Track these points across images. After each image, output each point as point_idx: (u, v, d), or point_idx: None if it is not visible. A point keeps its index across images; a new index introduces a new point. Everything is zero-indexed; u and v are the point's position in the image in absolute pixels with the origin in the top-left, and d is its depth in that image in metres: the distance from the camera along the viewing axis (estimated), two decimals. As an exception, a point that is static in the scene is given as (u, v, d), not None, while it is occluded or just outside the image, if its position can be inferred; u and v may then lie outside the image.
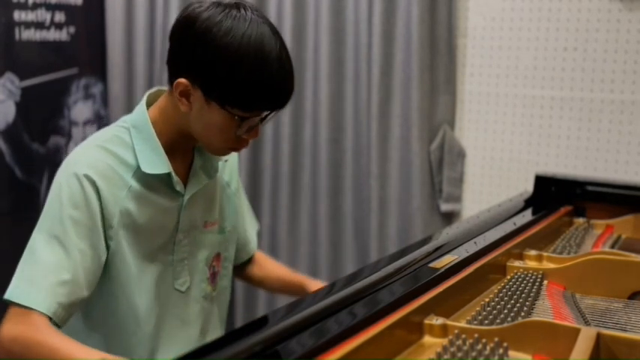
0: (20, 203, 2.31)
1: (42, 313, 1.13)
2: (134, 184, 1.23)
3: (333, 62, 2.59)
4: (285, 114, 2.68)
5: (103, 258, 1.22)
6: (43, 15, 2.43)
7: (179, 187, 1.27)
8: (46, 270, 1.15)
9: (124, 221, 1.23)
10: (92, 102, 2.68)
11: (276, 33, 1.18)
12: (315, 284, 1.49)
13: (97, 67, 2.71)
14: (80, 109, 2.62)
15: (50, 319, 1.14)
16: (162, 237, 1.28)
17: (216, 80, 1.15)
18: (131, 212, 1.23)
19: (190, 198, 1.30)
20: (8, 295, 1.16)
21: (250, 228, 1.55)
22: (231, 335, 0.87)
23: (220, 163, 1.37)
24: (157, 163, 1.23)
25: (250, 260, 1.57)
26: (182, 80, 1.17)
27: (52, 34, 2.47)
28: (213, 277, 1.39)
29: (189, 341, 1.34)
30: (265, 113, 1.20)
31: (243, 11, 1.16)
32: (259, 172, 2.77)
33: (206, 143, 1.24)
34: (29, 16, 2.37)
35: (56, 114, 2.51)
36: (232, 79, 1.14)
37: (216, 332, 1.41)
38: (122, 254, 1.23)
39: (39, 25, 2.41)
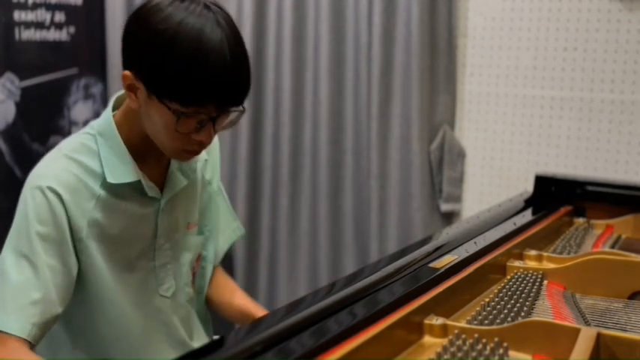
0: (20, 203, 2.30)
1: (17, 336, 1.09)
2: (102, 194, 1.17)
3: (333, 62, 2.59)
4: (285, 114, 2.68)
5: (75, 272, 1.17)
6: (43, 15, 2.43)
7: (153, 192, 1.22)
8: (16, 291, 1.11)
9: (93, 232, 1.17)
10: (92, 102, 2.68)
11: (228, 27, 1.08)
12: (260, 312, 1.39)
13: (97, 67, 2.71)
14: (80, 109, 2.62)
15: (25, 340, 1.10)
16: (139, 245, 1.23)
17: (150, 70, 1.08)
18: (101, 223, 1.18)
19: (169, 201, 1.25)
20: None
21: (222, 236, 1.45)
22: (232, 335, 0.87)
23: (200, 163, 1.32)
24: (124, 172, 1.18)
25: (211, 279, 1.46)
26: (127, 73, 1.11)
27: (52, 34, 2.47)
28: (193, 278, 1.36)
29: (177, 346, 1.32)
30: (215, 111, 1.10)
31: (195, 4, 1.08)
32: (259, 172, 2.77)
33: (158, 144, 1.16)
34: (29, 16, 2.37)
35: (56, 114, 2.51)
36: (164, 68, 1.06)
37: (199, 335, 1.38)
38: (95, 266, 1.19)
39: (39, 25, 2.41)
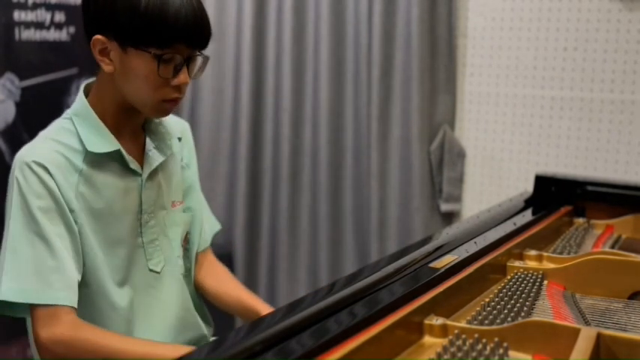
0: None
1: (60, 305, 1.16)
2: (85, 168, 1.23)
3: (333, 62, 2.59)
4: (285, 114, 2.68)
5: (78, 236, 1.22)
6: (43, 15, 2.43)
7: (133, 165, 1.27)
8: (34, 264, 1.17)
9: (81, 206, 1.22)
10: (92, 102, 2.68)
11: None
12: (266, 309, 1.41)
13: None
14: (80, 109, 2.62)
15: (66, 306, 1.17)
16: (126, 220, 1.28)
17: (122, 21, 1.16)
18: (86, 196, 1.23)
19: (149, 178, 1.30)
20: (5, 296, 1.16)
21: (206, 223, 1.50)
22: (232, 335, 0.87)
23: (176, 145, 1.39)
24: (104, 142, 1.24)
25: (200, 262, 1.48)
26: (97, 37, 1.20)
27: (52, 34, 2.47)
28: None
29: (168, 322, 1.34)
30: (186, 53, 1.20)
31: None
32: (259, 172, 2.77)
33: (138, 101, 1.23)
34: (29, 16, 2.37)
35: (56, 114, 2.51)
36: (136, 15, 1.15)
37: (196, 315, 1.40)
38: (86, 239, 1.23)
39: (39, 25, 2.41)
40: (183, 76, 1.21)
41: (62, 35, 2.52)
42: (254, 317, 1.37)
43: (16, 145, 2.33)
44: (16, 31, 2.33)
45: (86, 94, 1.30)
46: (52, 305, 1.16)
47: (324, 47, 2.58)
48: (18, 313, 1.22)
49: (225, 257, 2.58)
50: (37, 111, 2.42)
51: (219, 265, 1.52)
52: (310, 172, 2.69)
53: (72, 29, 2.56)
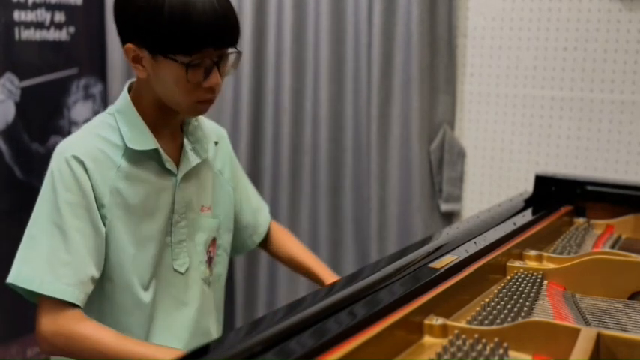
0: (20, 203, 2.31)
1: (62, 300, 1.18)
2: (123, 164, 1.26)
3: (333, 62, 2.59)
4: (285, 114, 2.68)
5: (104, 235, 1.24)
6: (43, 15, 2.43)
7: (169, 165, 1.30)
8: (48, 255, 1.19)
9: (116, 201, 1.25)
10: (92, 102, 2.68)
11: None
12: (331, 277, 1.50)
13: (97, 67, 2.71)
14: (80, 109, 2.62)
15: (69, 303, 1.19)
16: (159, 217, 1.30)
17: (148, 32, 1.19)
18: (122, 192, 1.25)
19: (184, 179, 1.33)
20: (14, 280, 1.20)
21: (259, 212, 1.59)
22: (232, 335, 0.87)
23: (211, 150, 1.41)
24: (143, 140, 1.27)
25: (269, 236, 1.61)
26: (129, 46, 1.22)
27: (52, 34, 2.47)
28: (210, 261, 1.41)
29: (186, 324, 1.36)
30: (215, 55, 1.21)
31: None
32: (259, 172, 2.77)
33: (173, 103, 1.26)
34: (29, 16, 2.37)
35: (56, 114, 2.51)
36: (160, 25, 1.17)
37: (212, 318, 1.43)
38: (116, 234, 1.25)
39: (39, 25, 2.41)
40: (214, 78, 1.22)
41: (62, 35, 2.52)
42: (321, 284, 1.47)
43: (16, 145, 2.34)
44: (16, 31, 2.33)
45: (130, 91, 1.32)
46: (57, 298, 1.18)
47: (324, 47, 2.58)
48: (31, 297, 1.24)
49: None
50: (37, 111, 2.42)
51: (287, 234, 1.64)
52: (310, 171, 2.69)
53: (72, 29, 2.56)
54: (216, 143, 1.45)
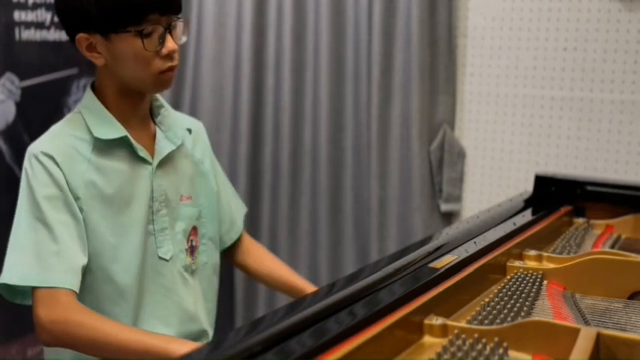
0: (20, 203, 2.30)
1: (59, 287, 1.19)
2: (93, 157, 1.28)
3: (333, 62, 2.59)
4: (285, 114, 2.68)
5: (83, 224, 1.26)
6: (43, 15, 2.43)
7: (142, 152, 1.32)
8: (36, 248, 1.21)
9: (91, 193, 1.26)
10: (92, 102, 2.68)
11: None
12: (309, 287, 1.51)
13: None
14: (80, 109, 2.62)
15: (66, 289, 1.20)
16: (137, 206, 1.31)
17: (94, 13, 1.21)
18: (96, 183, 1.27)
19: (160, 167, 1.34)
20: (8, 279, 1.21)
21: (236, 209, 1.57)
22: (232, 335, 0.87)
23: (188, 139, 1.43)
24: (110, 129, 1.29)
25: (240, 245, 1.58)
26: (79, 35, 1.25)
27: (52, 34, 2.47)
28: (192, 250, 1.41)
29: (172, 311, 1.36)
30: (164, 21, 1.24)
31: None
32: (259, 172, 2.77)
33: (136, 81, 1.28)
34: (29, 16, 2.37)
35: (56, 114, 2.51)
36: (106, 4, 1.20)
37: (199, 307, 1.42)
38: (94, 226, 1.26)
39: (39, 25, 2.41)
40: (170, 44, 1.25)
41: (62, 35, 2.52)
42: (298, 295, 1.48)
43: (16, 145, 2.34)
44: (16, 31, 2.33)
45: (93, 90, 1.34)
46: (51, 287, 1.19)
47: (324, 47, 2.58)
48: (25, 300, 1.25)
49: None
50: (37, 111, 2.42)
51: (258, 246, 1.61)
52: (310, 171, 2.69)
53: (72, 29, 2.56)
54: (190, 131, 1.45)
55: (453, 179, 2.52)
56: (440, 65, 2.49)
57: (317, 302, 0.93)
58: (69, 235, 1.23)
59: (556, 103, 2.34)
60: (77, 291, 1.22)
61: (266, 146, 2.74)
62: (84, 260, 1.24)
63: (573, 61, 2.30)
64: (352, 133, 2.62)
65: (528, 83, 2.38)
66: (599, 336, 0.90)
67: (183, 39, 1.31)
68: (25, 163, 1.27)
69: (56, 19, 2.48)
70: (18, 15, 2.33)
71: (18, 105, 2.35)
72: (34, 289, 1.21)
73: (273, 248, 2.78)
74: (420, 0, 2.40)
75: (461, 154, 2.51)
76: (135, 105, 1.33)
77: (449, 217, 2.58)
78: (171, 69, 1.28)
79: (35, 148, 1.27)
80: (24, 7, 2.35)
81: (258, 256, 1.59)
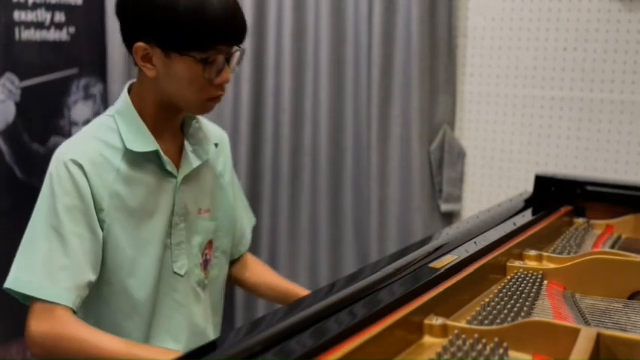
0: (20, 203, 2.31)
1: (57, 303, 1.17)
2: (122, 167, 1.25)
3: (333, 62, 2.59)
4: (285, 114, 2.68)
5: (101, 239, 1.24)
6: (43, 15, 2.43)
7: (169, 167, 1.29)
8: (45, 258, 1.19)
9: (115, 204, 1.24)
10: (92, 102, 2.68)
11: None
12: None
13: (97, 67, 2.71)
14: (80, 109, 2.62)
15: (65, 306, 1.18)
16: (159, 219, 1.29)
17: (163, 29, 1.18)
18: (121, 195, 1.25)
19: (184, 181, 1.32)
20: (12, 285, 1.20)
21: (246, 223, 1.55)
22: (232, 335, 0.87)
23: (212, 151, 1.40)
24: (143, 142, 1.26)
25: (240, 261, 1.55)
26: (139, 44, 1.21)
27: (52, 34, 2.47)
28: (205, 264, 1.40)
29: (185, 326, 1.35)
30: (227, 52, 1.22)
31: None
32: (259, 172, 2.77)
33: (183, 102, 1.26)
34: (29, 16, 2.37)
35: (56, 114, 2.51)
36: (176, 22, 1.17)
37: (208, 322, 1.42)
38: (115, 238, 1.25)
39: (39, 25, 2.41)
40: (225, 75, 1.23)
41: (62, 35, 2.52)
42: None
43: (16, 145, 2.34)
44: (16, 31, 2.33)
45: (129, 92, 1.31)
46: (51, 302, 1.18)
47: (324, 47, 2.58)
48: (27, 301, 1.23)
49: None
50: (37, 111, 2.42)
51: (255, 260, 1.58)
52: (310, 171, 2.69)
53: (72, 29, 2.56)
54: (216, 145, 1.43)
55: (453, 179, 2.52)
56: (440, 65, 2.49)
57: (317, 302, 0.93)
58: (82, 249, 1.21)
59: (556, 103, 2.34)
60: (75, 309, 1.20)
61: (266, 146, 2.74)
62: (92, 277, 1.22)
63: (573, 61, 2.30)
64: (352, 133, 2.62)
65: (528, 83, 2.38)
66: (599, 336, 0.90)
67: (237, 68, 1.28)
68: (52, 167, 1.24)
69: (56, 19, 2.49)
70: (18, 15, 2.33)
71: (18, 105, 2.35)
72: (33, 299, 1.19)
73: (273, 248, 2.78)
74: (420, 0, 2.40)
75: (461, 154, 2.51)
76: (170, 119, 1.31)
77: (449, 217, 2.58)
78: (218, 97, 1.27)
79: (64, 153, 1.24)
80: (24, 7, 2.35)
81: (257, 270, 1.56)
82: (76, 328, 1.17)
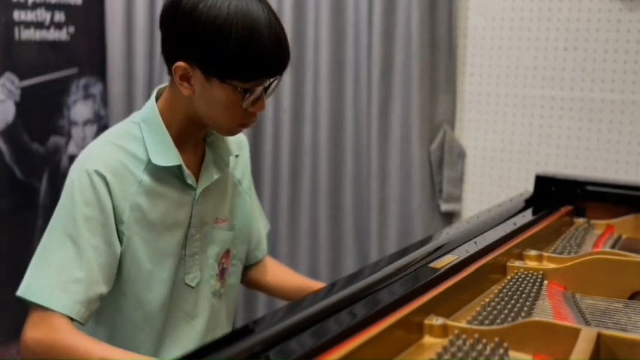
0: (20, 203, 2.31)
1: (62, 313, 1.15)
2: (145, 178, 1.23)
3: (333, 62, 2.59)
4: (285, 114, 2.68)
5: (118, 252, 1.22)
6: (43, 15, 2.43)
7: (190, 180, 1.27)
8: (59, 269, 1.17)
9: (135, 216, 1.23)
10: (92, 102, 2.68)
11: (262, 1, 1.19)
12: None
13: (97, 67, 2.71)
14: (80, 109, 2.62)
15: (71, 318, 1.16)
16: (177, 232, 1.28)
17: (210, 55, 1.15)
18: (142, 207, 1.23)
19: (202, 192, 1.30)
20: (24, 293, 1.18)
21: (262, 228, 1.54)
22: (232, 335, 0.87)
23: (232, 160, 1.37)
24: (168, 156, 1.24)
25: (259, 265, 1.54)
26: (180, 64, 1.18)
27: (52, 34, 2.47)
28: (222, 273, 1.38)
29: (194, 337, 1.34)
30: (267, 82, 1.19)
31: None
32: (259, 172, 2.77)
33: (214, 124, 1.24)
34: (29, 15, 2.37)
35: (56, 114, 2.51)
36: (225, 50, 1.14)
37: (222, 330, 1.41)
38: (133, 250, 1.23)
39: (39, 25, 2.41)
40: (261, 104, 1.21)
41: (62, 35, 2.52)
42: None
43: (15, 145, 2.34)
44: (16, 31, 2.33)
45: (156, 97, 1.29)
46: (54, 311, 1.16)
47: (324, 47, 2.58)
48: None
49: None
50: (37, 111, 2.42)
51: (274, 262, 1.57)
52: (310, 171, 2.69)
53: (72, 29, 2.56)
54: (236, 156, 1.40)
55: (453, 179, 2.52)
56: (440, 65, 2.49)
57: (317, 302, 0.93)
58: (97, 262, 1.19)
59: (556, 103, 2.34)
60: (84, 323, 1.18)
61: (266, 146, 2.74)
62: (105, 290, 1.21)
63: (573, 61, 2.30)
64: (352, 133, 2.62)
65: (528, 83, 2.38)
66: (599, 336, 0.90)
67: (270, 95, 1.25)
68: (74, 174, 1.21)
69: (56, 18, 2.49)
70: (18, 15, 2.33)
71: (18, 105, 2.35)
72: (34, 305, 1.18)
73: (273, 248, 2.78)
74: (420, 0, 2.40)
75: (461, 154, 2.51)
76: (196, 133, 1.28)
77: (449, 217, 2.58)
78: (250, 124, 1.25)
79: (88, 161, 1.22)
80: (24, 6, 2.35)
81: (278, 272, 1.54)
82: (71, 337, 1.15)
